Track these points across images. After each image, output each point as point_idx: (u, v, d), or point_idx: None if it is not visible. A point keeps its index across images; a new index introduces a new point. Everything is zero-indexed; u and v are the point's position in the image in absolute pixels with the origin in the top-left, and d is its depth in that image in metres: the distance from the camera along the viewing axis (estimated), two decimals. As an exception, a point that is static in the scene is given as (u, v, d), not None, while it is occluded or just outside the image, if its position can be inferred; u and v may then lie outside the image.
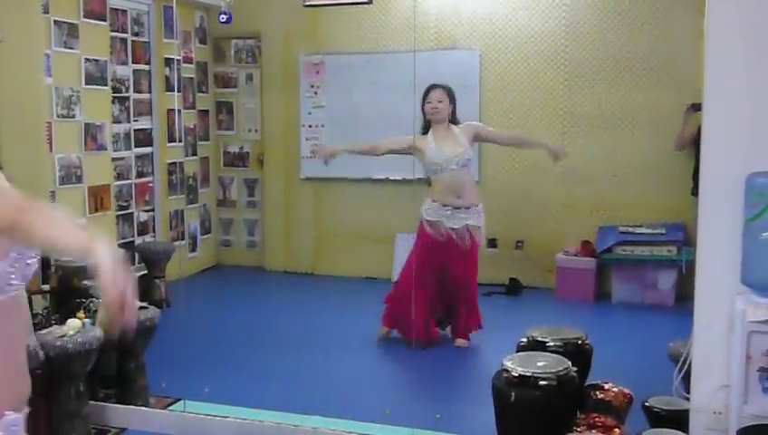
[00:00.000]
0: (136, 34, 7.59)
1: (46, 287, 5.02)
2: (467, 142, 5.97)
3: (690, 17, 6.50)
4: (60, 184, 6.47)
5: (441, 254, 5.90)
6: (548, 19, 7.40)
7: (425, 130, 6.03)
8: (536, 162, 7.48)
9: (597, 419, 3.51)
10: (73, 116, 6.62)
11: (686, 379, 3.41)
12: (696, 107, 6.28)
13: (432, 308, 5.95)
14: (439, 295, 5.97)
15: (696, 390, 3.33)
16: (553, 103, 7.44)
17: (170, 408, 4.63)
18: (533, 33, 7.45)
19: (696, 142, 6.29)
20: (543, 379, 3.41)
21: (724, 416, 3.21)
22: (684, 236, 6.85)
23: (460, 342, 5.95)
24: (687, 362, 3.38)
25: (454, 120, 6.06)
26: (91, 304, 4.62)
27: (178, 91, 8.02)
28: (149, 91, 7.78)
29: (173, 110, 7.95)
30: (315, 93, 8.17)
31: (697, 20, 6.04)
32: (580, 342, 3.89)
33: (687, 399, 3.41)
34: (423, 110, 6.07)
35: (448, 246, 5.89)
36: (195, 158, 8.42)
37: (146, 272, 6.84)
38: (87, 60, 6.74)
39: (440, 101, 5.99)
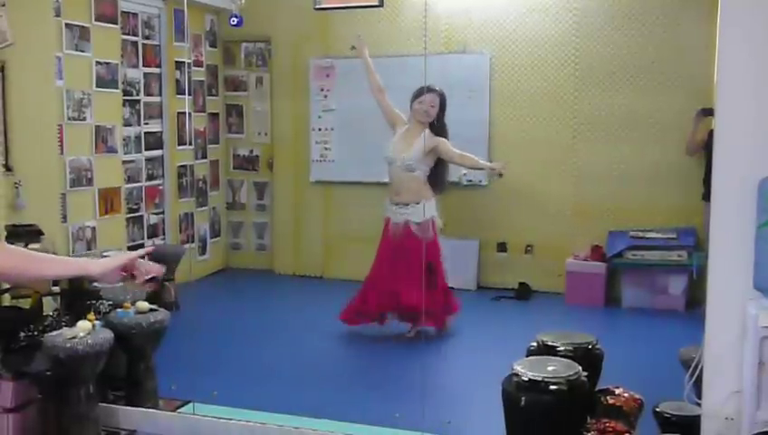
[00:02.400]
0: (147, 38, 7.61)
1: (56, 289, 5.03)
2: (421, 149, 6.12)
3: (701, 21, 6.48)
4: (70, 186, 6.49)
5: (394, 246, 6.22)
6: (559, 23, 7.39)
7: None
8: (546, 166, 7.49)
9: (607, 424, 3.49)
10: (84, 119, 6.64)
11: (698, 384, 3.39)
12: (707, 111, 6.27)
13: (382, 296, 6.17)
14: (390, 284, 6.13)
15: (708, 395, 3.31)
16: (564, 107, 7.42)
17: (180, 410, 4.63)
18: (544, 36, 7.44)
19: (706, 147, 6.29)
20: (554, 383, 3.39)
21: (736, 422, 3.19)
22: (695, 241, 6.82)
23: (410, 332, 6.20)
24: (699, 368, 3.36)
25: (437, 126, 6.18)
26: (101, 306, 4.64)
27: (189, 95, 8.04)
28: (160, 95, 7.80)
29: (183, 113, 7.97)
30: (325, 97, 8.17)
31: (709, 24, 6.02)
32: (590, 346, 3.87)
33: (699, 404, 3.39)
34: (412, 107, 6.23)
35: (398, 240, 6.19)
36: (205, 161, 8.43)
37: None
38: (98, 63, 6.76)
39: (432, 106, 6.17)
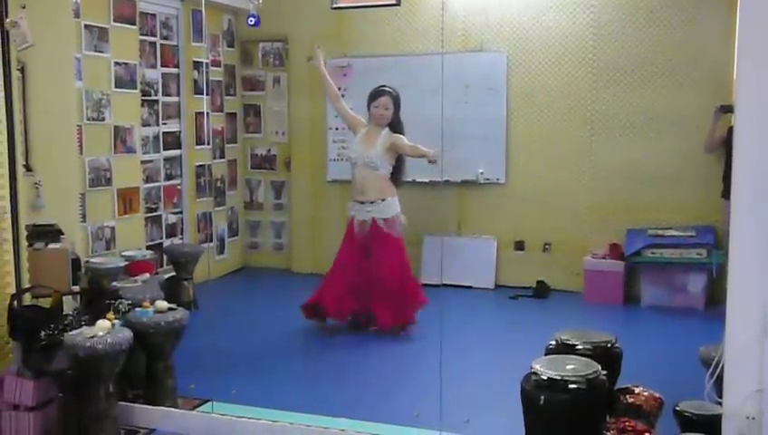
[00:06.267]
0: (165, 38, 7.64)
1: (76, 288, 5.08)
2: (383, 147, 6.31)
3: (720, 17, 6.44)
4: (90, 186, 6.53)
5: (360, 244, 6.36)
6: (576, 20, 7.36)
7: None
8: (564, 164, 7.46)
9: (627, 423, 3.48)
10: (103, 119, 6.68)
11: (718, 383, 3.36)
12: (726, 109, 6.23)
13: (350, 292, 6.30)
14: (359, 283, 6.28)
15: (729, 394, 3.28)
16: (581, 105, 7.40)
17: (199, 409, 4.65)
18: (561, 34, 7.42)
19: (725, 144, 6.26)
20: (573, 382, 3.38)
21: (758, 421, 3.17)
22: (714, 239, 6.79)
23: (376, 328, 6.28)
24: (720, 366, 3.34)
25: (394, 124, 6.36)
26: (121, 306, 4.66)
27: (206, 95, 8.07)
28: (178, 95, 7.84)
29: (201, 113, 8.00)
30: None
31: (728, 20, 5.99)
32: (609, 345, 3.86)
33: (719, 404, 3.37)
34: (369, 110, 6.42)
35: (364, 237, 6.34)
36: (222, 160, 8.46)
37: (174, 274, 6.86)
38: (117, 63, 6.80)
39: (386, 109, 6.35)
